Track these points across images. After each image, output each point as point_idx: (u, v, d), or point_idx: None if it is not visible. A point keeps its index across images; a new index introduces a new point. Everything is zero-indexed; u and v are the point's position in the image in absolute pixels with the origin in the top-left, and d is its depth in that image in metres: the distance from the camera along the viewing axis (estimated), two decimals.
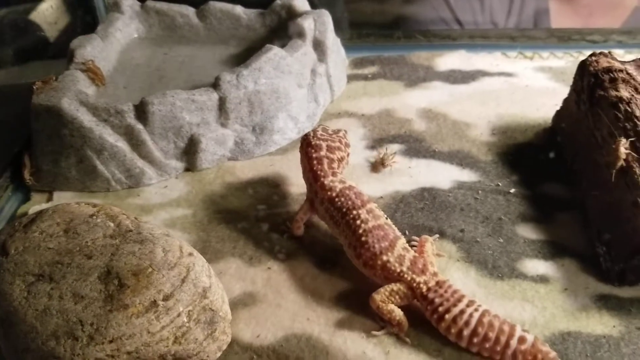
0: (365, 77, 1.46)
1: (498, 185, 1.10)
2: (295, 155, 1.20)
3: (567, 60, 1.51)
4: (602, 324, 0.84)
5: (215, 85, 1.18)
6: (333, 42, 1.39)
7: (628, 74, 1.07)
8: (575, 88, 1.17)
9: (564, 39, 1.62)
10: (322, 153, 0.96)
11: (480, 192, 1.09)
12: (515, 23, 1.76)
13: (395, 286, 0.83)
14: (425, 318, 0.83)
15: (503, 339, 0.77)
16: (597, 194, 0.99)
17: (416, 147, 1.21)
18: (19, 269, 0.83)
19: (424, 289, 0.82)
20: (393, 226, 0.90)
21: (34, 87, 1.08)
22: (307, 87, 1.31)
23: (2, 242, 0.87)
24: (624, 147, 0.94)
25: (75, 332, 0.76)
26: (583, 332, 0.83)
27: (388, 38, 1.66)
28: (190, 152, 1.17)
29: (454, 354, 0.80)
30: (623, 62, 1.13)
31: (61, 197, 1.10)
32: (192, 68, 1.38)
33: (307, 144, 0.99)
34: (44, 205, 1.07)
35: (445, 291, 0.82)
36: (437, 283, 0.83)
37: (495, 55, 1.53)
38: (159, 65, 1.39)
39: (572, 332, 0.83)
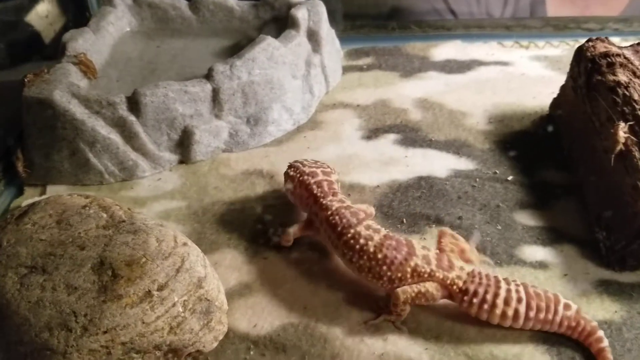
0: (360, 68, 1.45)
1: (495, 173, 1.09)
2: (290, 147, 1.20)
3: (563, 49, 1.50)
4: (603, 310, 0.83)
5: (208, 76, 1.16)
6: (327, 32, 1.38)
7: (626, 58, 1.06)
8: (572, 74, 1.16)
9: (559, 27, 1.62)
10: (320, 177, 0.94)
11: (477, 180, 1.08)
12: (512, 13, 1.75)
13: (423, 287, 0.79)
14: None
15: (552, 306, 0.76)
16: (596, 179, 0.99)
17: (412, 136, 1.20)
18: (11, 261, 0.81)
19: (460, 283, 0.79)
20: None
21: (25, 80, 1.07)
22: (301, 78, 1.30)
23: None
24: (622, 131, 0.93)
25: (69, 323, 0.74)
26: None
27: (382, 29, 1.65)
28: (184, 144, 1.15)
29: (452, 339, 0.79)
30: (620, 47, 1.12)
31: (54, 191, 1.09)
32: (184, 61, 1.37)
33: (300, 174, 0.95)
34: (37, 199, 1.05)
35: (481, 278, 0.79)
36: (469, 274, 0.80)
37: (491, 44, 1.52)
38: (152, 59, 1.37)
39: None
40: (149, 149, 1.12)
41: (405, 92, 1.35)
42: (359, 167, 1.13)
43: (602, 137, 0.99)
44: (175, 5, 1.46)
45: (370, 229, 0.84)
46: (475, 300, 0.78)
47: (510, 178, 1.08)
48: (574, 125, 1.12)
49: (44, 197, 1.06)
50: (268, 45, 1.22)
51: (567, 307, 0.77)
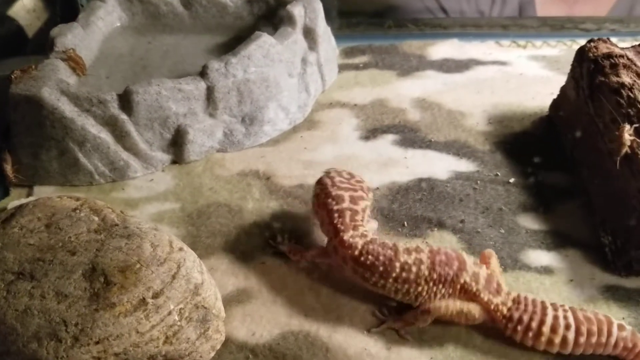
0: (356, 67, 1.42)
1: (497, 175, 1.07)
2: (287, 147, 1.17)
3: (561, 49, 1.49)
4: (611, 316, 0.81)
5: (202, 73, 1.13)
6: (324, 30, 1.35)
7: (629, 59, 1.04)
8: (574, 75, 1.14)
9: (556, 27, 1.60)
10: (345, 205, 0.84)
11: (478, 182, 1.05)
12: (499, 12, 1.73)
13: (466, 307, 0.75)
14: None
15: (604, 328, 0.73)
16: (600, 183, 0.97)
17: (411, 137, 1.18)
18: None
19: (504, 310, 0.76)
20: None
21: (12, 76, 1.03)
22: (297, 77, 1.27)
23: None
24: (628, 134, 0.92)
25: (59, 333, 0.71)
26: None
27: (378, 27, 1.62)
28: (177, 144, 1.12)
29: (458, 348, 0.77)
30: (622, 48, 1.10)
31: (42, 192, 1.05)
32: (176, 57, 1.33)
33: (325, 195, 0.85)
34: (24, 201, 1.01)
35: (527, 305, 0.76)
36: (514, 300, 0.77)
37: (489, 44, 1.50)
38: (143, 55, 1.33)
39: None
40: (140, 149, 1.09)
41: (403, 92, 1.32)
42: (357, 168, 1.09)
43: (606, 140, 0.98)
44: (167, 0, 1.42)
45: (413, 252, 0.78)
46: (519, 327, 0.75)
47: (512, 180, 1.05)
48: (575, 127, 1.10)
49: (31, 198, 1.02)
50: (264, 42, 1.18)
51: (621, 328, 0.73)
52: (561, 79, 1.27)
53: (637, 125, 0.92)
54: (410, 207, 1.01)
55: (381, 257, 0.78)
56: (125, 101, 1.06)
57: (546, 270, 0.89)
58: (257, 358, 0.77)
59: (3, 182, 1.08)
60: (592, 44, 1.12)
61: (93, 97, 1.04)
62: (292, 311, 0.83)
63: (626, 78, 1.01)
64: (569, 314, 0.74)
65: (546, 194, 1.02)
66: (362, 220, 0.83)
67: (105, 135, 1.05)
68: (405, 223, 0.97)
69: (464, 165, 1.10)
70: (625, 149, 0.91)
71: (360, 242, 0.80)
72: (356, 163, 1.11)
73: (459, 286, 0.76)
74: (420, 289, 0.76)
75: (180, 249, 0.80)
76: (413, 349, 0.78)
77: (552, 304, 0.76)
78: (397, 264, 0.77)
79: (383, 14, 1.72)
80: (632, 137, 0.91)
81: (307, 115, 1.25)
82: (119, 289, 0.73)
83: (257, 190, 1.05)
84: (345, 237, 0.80)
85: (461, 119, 1.23)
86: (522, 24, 1.61)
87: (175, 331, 0.74)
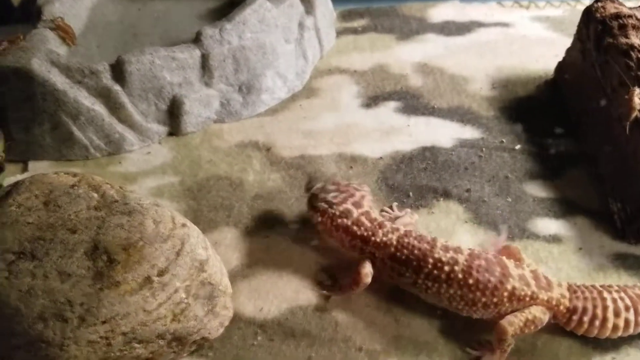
0: (354, 31, 1.38)
1: (502, 142, 1.05)
2: (286, 116, 1.14)
3: (565, 9, 1.45)
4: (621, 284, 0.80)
5: (196, 41, 1.09)
6: None
7: (638, 19, 1.01)
8: (580, 37, 1.11)
9: None
10: (355, 215, 0.79)
11: (484, 149, 1.03)
12: None
13: (529, 314, 0.70)
14: None
15: None
16: (609, 149, 0.95)
17: (414, 104, 1.15)
18: None
19: (566, 302, 0.72)
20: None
21: (0, 48, 0.98)
22: (294, 42, 1.23)
23: None
24: (638, 97, 0.90)
25: (64, 313, 0.69)
26: None
27: None
28: (173, 115, 1.08)
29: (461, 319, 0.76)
30: (631, 8, 1.07)
31: (37, 167, 1.02)
32: (168, 24, 1.29)
33: (332, 219, 0.80)
34: (20, 177, 0.98)
35: (583, 292, 0.73)
36: (569, 289, 0.73)
37: (490, 4, 1.46)
38: (133, 22, 1.29)
39: None
40: (135, 121, 1.05)
41: (404, 56, 1.28)
42: (359, 137, 1.08)
43: (614, 104, 0.95)
44: None
45: (450, 250, 0.74)
46: (585, 318, 0.71)
47: (517, 147, 1.04)
48: (582, 91, 1.08)
49: (26, 174, 1.00)
50: (259, 6, 1.14)
51: None
52: (566, 41, 1.24)
53: None
54: (415, 176, 0.99)
55: (416, 251, 0.74)
56: (118, 71, 1.02)
57: (554, 239, 0.88)
58: (266, 333, 0.76)
59: None
60: (599, 3, 1.09)
61: (85, 67, 1.00)
62: (299, 285, 0.82)
63: (635, 39, 0.98)
64: (623, 294, 0.71)
65: (553, 161, 1.01)
66: (374, 214, 0.80)
67: (99, 108, 1.02)
68: (411, 193, 0.95)
69: (469, 133, 1.08)
70: (636, 113, 0.89)
71: (394, 237, 0.77)
72: (358, 132, 1.09)
73: (506, 293, 0.71)
74: (452, 291, 0.72)
75: (183, 225, 0.78)
76: (422, 319, 0.77)
77: (602, 286, 0.73)
78: (431, 260, 0.73)
79: None
80: None
81: (306, 82, 1.22)
82: (123, 267, 0.71)
83: (257, 162, 1.03)
84: (378, 239, 0.77)
85: (464, 84, 1.20)
86: None
87: (182, 309, 0.72)
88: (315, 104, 1.16)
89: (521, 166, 1.00)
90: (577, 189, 0.95)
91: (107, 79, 1.01)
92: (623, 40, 0.99)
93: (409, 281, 0.75)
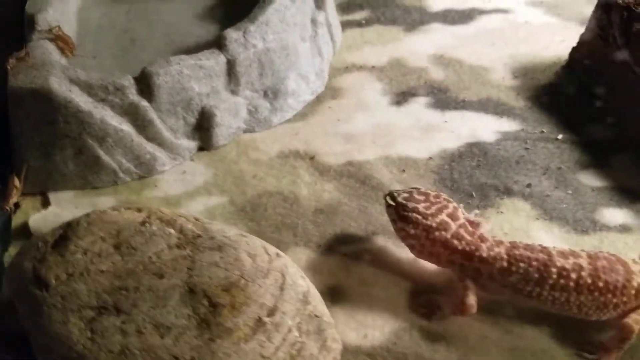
0: (359, 24, 1.33)
1: (542, 132, 1.05)
2: (318, 120, 1.08)
3: None
4: None
5: (220, 45, 1.00)
6: None
7: None
8: (599, 23, 1.12)
9: None
10: (454, 228, 0.75)
11: (528, 141, 1.03)
12: None
13: None
14: None
15: None
16: None
17: (443, 98, 1.12)
18: (69, 303, 0.66)
19: None
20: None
21: (8, 67, 0.85)
22: (309, 40, 1.16)
23: (33, 270, 0.68)
24: None
25: None
26: None
27: None
28: (202, 128, 0.99)
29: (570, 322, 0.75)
30: None
31: (60, 198, 0.90)
32: (165, 27, 1.18)
33: (427, 230, 0.74)
34: (44, 213, 0.87)
35: None
36: None
37: None
38: (126, 26, 1.17)
39: None
40: (165, 138, 0.96)
41: (416, 49, 1.25)
42: (400, 137, 1.04)
43: None
44: None
45: (569, 256, 0.71)
46: None
47: (560, 137, 1.04)
48: (608, 74, 1.09)
49: (51, 209, 0.88)
50: (280, 4, 1.06)
51: None
52: (566, 25, 1.26)
53: None
54: (470, 175, 0.96)
55: (534, 263, 0.71)
56: (144, 85, 0.92)
57: (625, 229, 0.88)
58: None
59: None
60: None
61: (108, 84, 0.89)
62: (394, 304, 0.77)
63: None
64: None
65: (597, 149, 1.01)
66: (471, 227, 0.76)
67: (126, 127, 0.91)
68: (473, 193, 0.93)
69: (507, 125, 1.06)
70: None
71: (502, 251, 0.73)
72: (397, 132, 1.05)
73: (633, 290, 0.70)
74: (583, 298, 0.70)
75: (278, 255, 0.72)
76: (533, 327, 0.75)
77: None
78: (554, 269, 0.70)
79: None
80: None
81: (326, 82, 1.16)
82: (229, 312, 0.65)
83: (305, 173, 0.96)
84: (485, 254, 0.73)
85: (485, 74, 1.19)
86: None
87: (298, 349, 0.66)
88: (344, 104, 1.11)
89: (569, 156, 1.00)
90: (628, 175, 0.97)
91: (133, 95, 0.91)
92: None
93: (529, 295, 0.72)
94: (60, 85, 0.86)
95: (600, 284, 0.70)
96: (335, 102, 1.12)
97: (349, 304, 0.78)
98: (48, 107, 0.86)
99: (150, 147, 0.94)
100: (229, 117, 1.02)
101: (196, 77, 0.96)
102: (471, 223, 0.77)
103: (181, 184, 0.94)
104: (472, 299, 0.73)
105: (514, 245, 0.74)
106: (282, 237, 0.86)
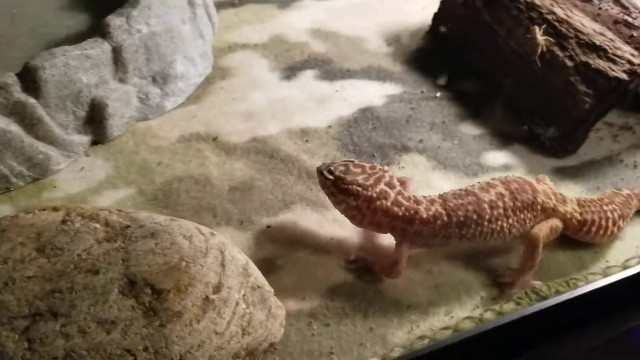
0: (232, 4, 1.33)
1: (422, 92, 1.14)
2: (213, 101, 1.08)
3: None
4: (572, 193, 0.95)
5: (103, 33, 0.96)
6: None
7: None
8: None
9: None
10: (392, 195, 0.77)
11: (412, 102, 1.11)
12: None
13: (553, 223, 0.80)
14: None
15: (631, 202, 0.87)
16: (517, 82, 1.09)
17: (329, 69, 1.17)
18: None
19: (578, 216, 0.82)
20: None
21: None
22: (189, 22, 1.14)
23: None
24: (539, 35, 1.04)
25: None
26: None
27: None
28: (95, 121, 0.95)
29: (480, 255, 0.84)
30: None
31: None
32: (31, 21, 1.12)
33: (369, 201, 0.76)
34: None
35: (589, 206, 0.83)
36: (579, 205, 0.83)
37: None
38: None
39: None
40: (57, 135, 0.90)
41: (293, 24, 1.28)
42: (297, 110, 1.07)
43: (511, 43, 1.10)
44: None
45: (490, 189, 0.79)
46: (593, 228, 0.82)
47: (438, 95, 1.13)
48: (471, 35, 1.20)
49: None
50: None
51: (632, 195, 0.88)
52: None
53: (544, 26, 1.05)
54: (369, 137, 1.02)
55: (470, 207, 0.77)
56: (29, 81, 0.86)
57: (507, 168, 0.99)
58: (319, 320, 0.75)
59: None
60: None
61: None
62: (324, 265, 0.81)
63: None
64: (614, 205, 0.84)
65: (470, 102, 1.12)
66: (404, 192, 0.79)
67: (14, 128, 0.85)
68: (374, 153, 0.99)
69: (391, 89, 1.14)
70: (541, 48, 1.04)
71: (438, 208, 0.77)
72: (294, 105, 1.08)
73: (539, 207, 0.79)
74: (511, 221, 0.78)
75: (212, 234, 0.72)
76: (449, 265, 0.82)
77: (600, 199, 0.86)
78: (485, 205, 0.77)
79: None
80: (544, 37, 1.05)
81: (213, 63, 1.15)
82: (175, 295, 0.64)
83: (211, 154, 0.96)
84: (425, 216, 0.76)
85: (362, 44, 1.25)
86: None
87: (248, 320, 0.68)
88: (235, 84, 1.11)
89: (449, 111, 1.10)
90: (500, 121, 1.08)
91: (18, 93, 0.85)
92: None
93: (472, 236, 0.78)
94: None
95: (519, 204, 0.78)
96: (226, 82, 1.12)
97: (282, 271, 0.80)
98: None
99: (42, 146, 0.88)
100: (121, 106, 0.98)
101: (83, 68, 0.92)
102: (402, 183, 0.82)
103: (82, 181, 0.89)
104: (403, 265, 0.78)
105: (444, 198, 0.79)
106: (203, 220, 0.85)
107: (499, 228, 0.78)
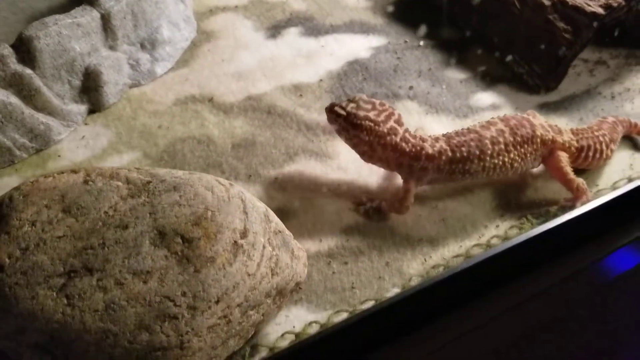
0: None
1: (406, 41, 1.17)
2: (203, 64, 1.09)
3: None
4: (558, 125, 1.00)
5: (91, 1, 0.95)
6: None
7: None
8: None
9: None
10: (401, 132, 0.80)
11: (397, 52, 1.14)
12: None
13: (563, 155, 0.85)
14: None
15: (617, 127, 0.92)
16: (497, 26, 1.13)
17: (312, 26, 1.18)
18: (33, 276, 0.62)
19: (575, 144, 0.87)
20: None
21: None
22: None
23: None
24: None
25: (168, 310, 0.62)
26: None
27: None
28: (90, 89, 0.95)
29: (478, 190, 0.89)
30: None
31: None
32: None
33: (380, 136, 0.78)
34: None
35: (583, 133, 0.88)
36: (573, 133, 0.88)
37: None
38: None
39: None
40: (55, 105, 0.90)
41: None
42: (287, 67, 1.08)
43: None
44: None
45: (491, 126, 0.83)
46: (590, 154, 0.87)
47: (421, 43, 1.16)
48: None
49: (8, 192, 0.79)
50: None
51: (617, 122, 0.93)
52: None
53: None
54: (360, 88, 1.05)
55: (472, 143, 0.80)
56: (25, 52, 0.85)
57: (495, 107, 1.04)
58: (338, 260, 0.78)
59: None
60: None
61: None
62: (337, 210, 0.84)
63: None
64: (603, 131, 0.89)
65: (452, 48, 1.16)
66: (408, 129, 0.82)
67: (14, 100, 0.84)
68: None
69: (375, 41, 1.16)
70: None
71: (443, 145, 0.81)
72: (283, 63, 1.09)
73: (539, 140, 0.84)
74: (512, 155, 0.82)
75: (231, 184, 0.74)
76: (453, 201, 0.87)
77: (590, 128, 0.90)
78: (487, 141, 0.81)
79: None
80: None
81: (196, 27, 1.15)
82: (206, 242, 0.66)
83: (209, 114, 0.97)
84: (430, 151, 0.80)
85: (341, 0, 1.27)
86: None
87: (275, 262, 0.70)
88: (222, 45, 1.12)
89: (434, 58, 1.13)
90: (484, 63, 1.12)
91: (14, 64, 0.84)
92: None
93: (475, 172, 0.82)
94: None
95: (519, 139, 0.83)
96: (212, 45, 1.12)
97: (296, 219, 0.83)
98: None
99: (42, 117, 0.88)
100: (114, 74, 0.98)
101: (75, 36, 0.91)
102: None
103: (85, 149, 0.90)
104: (410, 200, 0.81)
105: (448, 136, 0.83)
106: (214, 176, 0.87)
107: (500, 163, 0.82)
